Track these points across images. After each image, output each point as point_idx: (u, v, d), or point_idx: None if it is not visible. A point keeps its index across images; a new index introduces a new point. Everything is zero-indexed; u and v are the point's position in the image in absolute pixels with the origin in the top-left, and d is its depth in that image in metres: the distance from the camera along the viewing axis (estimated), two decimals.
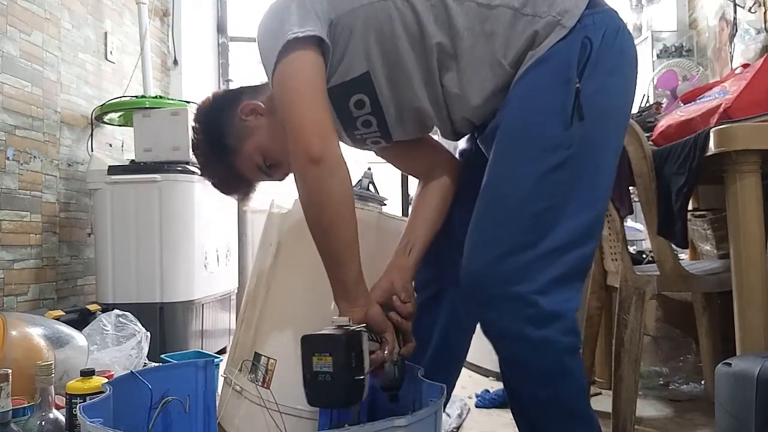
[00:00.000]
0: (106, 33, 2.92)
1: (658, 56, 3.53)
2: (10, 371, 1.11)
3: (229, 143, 1.09)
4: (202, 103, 1.15)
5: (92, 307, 2.30)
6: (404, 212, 2.67)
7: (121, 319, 1.98)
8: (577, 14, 0.93)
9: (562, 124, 0.91)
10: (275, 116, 1.03)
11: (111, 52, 2.96)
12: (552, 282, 0.87)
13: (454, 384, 1.28)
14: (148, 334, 1.98)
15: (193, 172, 2.52)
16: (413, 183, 1.68)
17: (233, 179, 1.14)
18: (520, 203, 0.90)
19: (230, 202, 3.04)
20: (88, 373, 1.26)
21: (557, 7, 0.94)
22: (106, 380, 1.12)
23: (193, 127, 1.14)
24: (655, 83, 2.45)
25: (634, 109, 2.13)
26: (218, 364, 1.74)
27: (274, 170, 1.11)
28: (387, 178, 1.21)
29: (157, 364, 1.87)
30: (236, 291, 3.09)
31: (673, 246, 1.66)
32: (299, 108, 0.88)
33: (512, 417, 0.99)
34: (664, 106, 2.04)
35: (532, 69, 0.94)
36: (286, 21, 0.91)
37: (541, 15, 0.93)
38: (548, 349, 0.87)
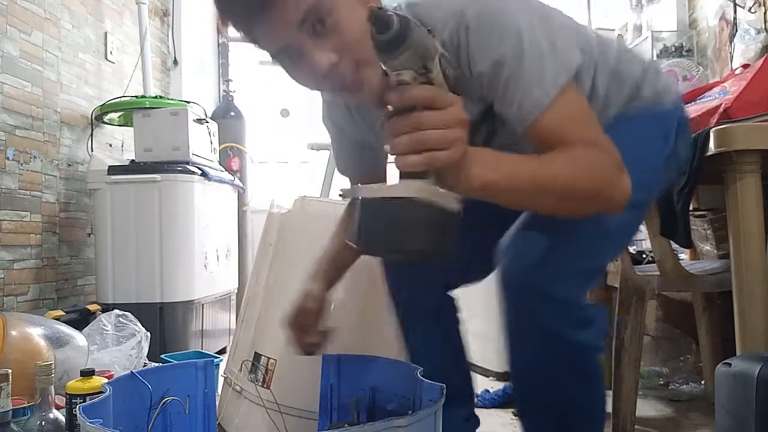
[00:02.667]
0: (106, 33, 2.92)
1: (658, 56, 3.53)
2: (10, 371, 1.11)
3: None
4: None
5: (92, 307, 2.30)
6: None
7: (121, 319, 1.99)
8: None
9: (657, 170, 1.00)
10: None
11: (111, 52, 2.96)
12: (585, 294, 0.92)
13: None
14: (148, 334, 1.98)
15: (193, 172, 2.52)
16: None
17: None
18: (595, 225, 0.89)
19: (230, 202, 3.04)
20: (88, 373, 1.26)
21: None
22: (106, 380, 1.12)
23: None
24: None
25: None
26: (218, 364, 1.74)
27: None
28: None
29: (157, 364, 1.87)
30: (236, 291, 3.09)
31: (674, 246, 1.66)
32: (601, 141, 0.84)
33: (515, 416, 1.00)
34: None
35: (635, 114, 1.00)
36: (561, 46, 0.85)
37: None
38: (585, 350, 0.89)
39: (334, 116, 1.13)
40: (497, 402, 1.86)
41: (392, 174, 0.88)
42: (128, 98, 2.72)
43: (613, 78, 0.99)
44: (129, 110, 2.69)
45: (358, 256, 1.20)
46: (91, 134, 2.69)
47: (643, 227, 2.27)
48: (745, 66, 1.63)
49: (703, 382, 1.93)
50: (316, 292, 1.17)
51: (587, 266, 0.91)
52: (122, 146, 3.03)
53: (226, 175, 2.98)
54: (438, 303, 1.19)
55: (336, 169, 1.25)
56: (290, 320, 1.16)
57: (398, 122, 0.69)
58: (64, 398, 1.24)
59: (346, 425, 1.19)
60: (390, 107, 0.70)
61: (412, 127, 0.67)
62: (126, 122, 2.86)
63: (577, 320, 0.86)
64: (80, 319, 2.16)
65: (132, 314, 2.03)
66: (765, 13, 2.97)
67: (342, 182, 2.03)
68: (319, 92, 0.99)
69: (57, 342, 1.60)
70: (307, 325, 1.15)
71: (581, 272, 0.89)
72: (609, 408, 1.50)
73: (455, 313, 1.22)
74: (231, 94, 3.88)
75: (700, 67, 2.86)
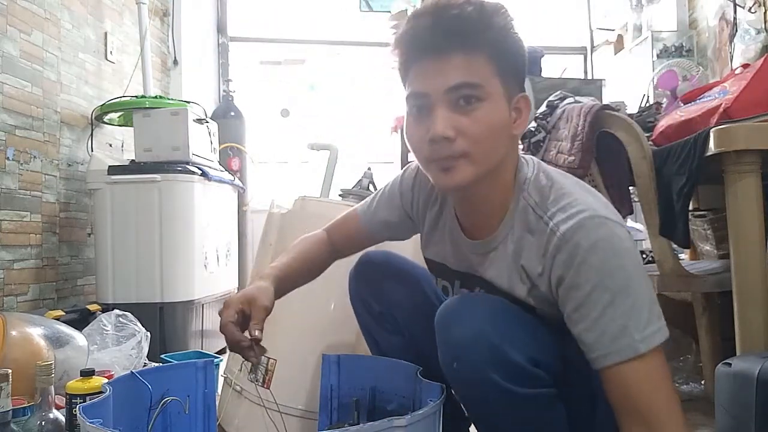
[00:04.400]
0: (106, 33, 2.92)
1: (658, 56, 3.53)
2: (10, 371, 1.11)
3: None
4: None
5: (92, 307, 2.30)
6: None
7: (121, 319, 1.98)
8: None
9: None
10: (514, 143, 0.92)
11: (111, 52, 2.96)
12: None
13: None
14: (148, 334, 1.98)
15: (193, 172, 2.52)
16: None
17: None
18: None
19: (230, 202, 3.04)
20: (88, 373, 1.26)
21: None
22: (106, 380, 1.12)
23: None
24: (655, 83, 2.45)
25: (635, 109, 2.14)
26: (218, 364, 1.74)
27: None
28: (387, 179, 1.22)
29: (157, 364, 1.87)
30: (236, 291, 3.09)
31: (674, 246, 1.66)
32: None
33: None
34: (664, 106, 2.03)
35: None
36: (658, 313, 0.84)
37: None
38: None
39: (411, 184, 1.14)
40: None
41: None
42: (128, 98, 2.72)
43: None
44: (129, 110, 2.69)
45: (312, 279, 1.19)
46: (91, 134, 2.69)
47: (643, 227, 2.27)
48: (745, 66, 1.63)
49: (703, 382, 1.93)
50: (271, 293, 1.04)
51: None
52: (122, 146, 3.03)
53: (226, 175, 2.98)
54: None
55: (362, 203, 1.23)
56: (234, 305, 0.99)
57: None
58: (64, 398, 1.24)
59: (346, 425, 1.19)
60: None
61: None
62: (126, 122, 2.86)
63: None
64: (80, 319, 2.16)
65: (132, 314, 2.02)
66: (765, 13, 2.97)
67: (342, 182, 2.03)
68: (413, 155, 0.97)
69: (57, 342, 1.60)
70: (247, 322, 0.99)
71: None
72: None
73: None
74: (231, 94, 3.88)
75: (700, 67, 2.86)
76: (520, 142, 2.00)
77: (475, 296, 0.99)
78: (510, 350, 0.84)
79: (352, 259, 1.23)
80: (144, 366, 1.88)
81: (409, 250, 1.30)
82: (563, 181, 0.92)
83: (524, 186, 0.93)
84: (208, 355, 2.04)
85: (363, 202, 1.23)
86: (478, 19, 0.86)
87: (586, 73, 4.53)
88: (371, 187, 1.79)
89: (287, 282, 1.11)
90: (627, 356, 0.79)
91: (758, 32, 2.98)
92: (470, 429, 1.25)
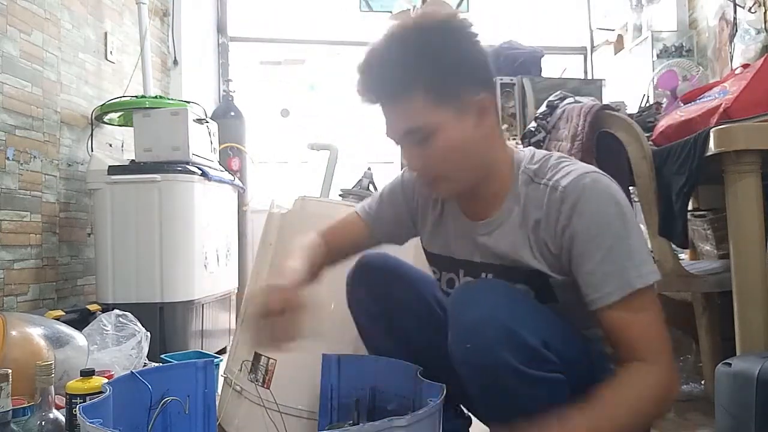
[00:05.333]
0: (106, 33, 2.92)
1: (658, 56, 3.53)
2: (10, 371, 1.11)
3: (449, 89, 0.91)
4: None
5: (92, 307, 2.30)
6: None
7: (121, 319, 1.98)
8: None
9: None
10: (486, 130, 0.95)
11: (111, 52, 2.96)
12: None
13: None
14: (148, 334, 1.98)
15: (193, 172, 2.52)
16: None
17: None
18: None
19: (230, 202, 3.04)
20: (88, 373, 1.26)
21: None
22: (106, 380, 1.12)
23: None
24: (655, 83, 2.45)
25: (635, 109, 2.14)
26: (218, 364, 1.74)
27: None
28: (387, 179, 1.22)
29: (157, 364, 1.87)
30: (236, 291, 3.09)
31: (673, 246, 1.66)
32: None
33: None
34: (664, 106, 2.03)
35: None
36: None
37: None
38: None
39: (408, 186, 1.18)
40: None
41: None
42: (128, 98, 2.72)
43: None
44: (129, 110, 2.69)
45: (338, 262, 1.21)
46: (91, 134, 2.69)
47: (643, 227, 2.27)
48: (745, 66, 1.63)
49: (703, 382, 1.93)
50: (305, 275, 1.05)
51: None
52: (122, 146, 3.03)
53: (226, 175, 2.98)
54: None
55: (362, 203, 1.25)
56: (273, 300, 0.97)
57: None
58: (64, 398, 1.24)
59: (346, 425, 1.19)
60: None
61: None
62: (126, 122, 2.86)
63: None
64: (80, 319, 2.16)
65: (132, 314, 2.02)
66: (765, 13, 2.97)
67: (342, 182, 2.03)
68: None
69: (57, 342, 1.60)
70: (285, 312, 0.97)
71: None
72: None
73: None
74: (231, 94, 3.88)
75: (700, 67, 2.86)
76: (520, 141, 2.01)
77: (488, 281, 1.00)
78: (524, 332, 0.85)
79: (351, 260, 1.23)
80: (144, 366, 1.88)
81: (410, 253, 1.30)
82: (557, 155, 0.99)
83: (522, 164, 0.98)
84: (208, 355, 2.04)
85: (361, 204, 1.24)
86: (401, 64, 0.89)
87: (586, 73, 4.53)
88: (371, 187, 1.79)
89: (334, 246, 1.19)
90: (625, 293, 0.86)
91: (758, 32, 2.98)
92: (470, 429, 1.25)
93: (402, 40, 0.90)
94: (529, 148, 1.04)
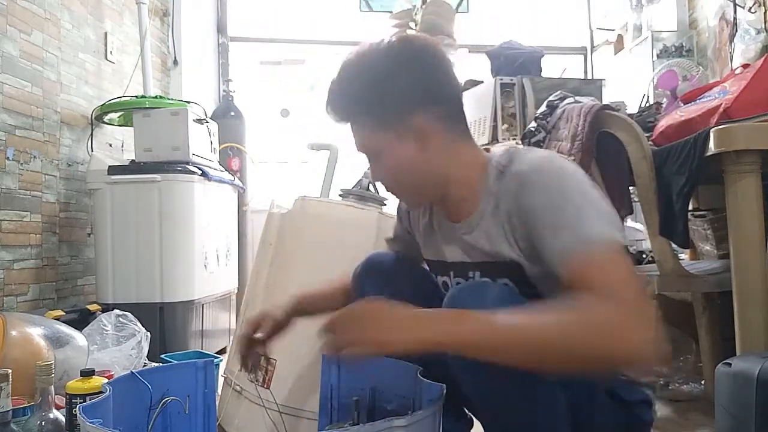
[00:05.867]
0: (106, 33, 2.92)
1: (658, 56, 3.53)
2: (10, 371, 1.11)
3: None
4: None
5: (92, 307, 2.30)
6: None
7: (121, 319, 1.98)
8: None
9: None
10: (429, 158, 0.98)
11: (111, 52, 2.96)
12: None
13: None
14: (148, 334, 1.98)
15: (193, 172, 2.52)
16: None
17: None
18: None
19: (230, 202, 3.04)
20: (88, 373, 1.26)
21: None
22: (106, 380, 1.12)
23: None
24: (655, 83, 2.45)
25: (635, 109, 2.14)
26: (218, 364, 1.74)
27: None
28: None
29: (157, 364, 1.87)
30: (236, 291, 3.09)
31: (674, 246, 1.66)
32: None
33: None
34: (664, 106, 2.04)
35: None
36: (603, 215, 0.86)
37: None
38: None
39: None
40: None
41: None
42: (128, 98, 2.72)
43: None
44: (129, 110, 2.69)
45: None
46: (91, 134, 2.69)
47: (642, 227, 2.27)
48: (745, 66, 1.63)
49: (703, 382, 1.93)
50: (287, 308, 1.21)
51: None
52: (122, 146, 3.03)
53: (226, 175, 2.98)
54: None
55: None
56: (250, 321, 1.18)
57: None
58: (64, 398, 1.24)
59: (346, 426, 1.19)
60: None
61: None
62: (126, 122, 2.86)
63: None
64: (80, 319, 2.16)
65: (132, 314, 2.02)
66: (765, 13, 2.97)
67: (342, 182, 2.03)
68: None
69: (57, 342, 1.60)
70: (260, 335, 1.18)
71: None
72: None
73: None
74: (231, 94, 3.88)
75: (700, 67, 2.86)
76: (520, 141, 2.01)
77: (480, 283, 0.99)
78: None
79: (351, 260, 1.23)
80: (144, 366, 1.88)
81: None
82: (527, 148, 1.06)
83: (494, 160, 0.99)
84: (208, 355, 2.04)
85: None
86: (347, 91, 0.98)
87: (586, 73, 4.53)
88: (371, 187, 1.79)
89: (307, 300, 1.24)
90: (582, 246, 0.82)
91: (758, 32, 2.98)
92: (471, 430, 1.25)
93: (352, 67, 0.98)
94: (508, 144, 1.06)
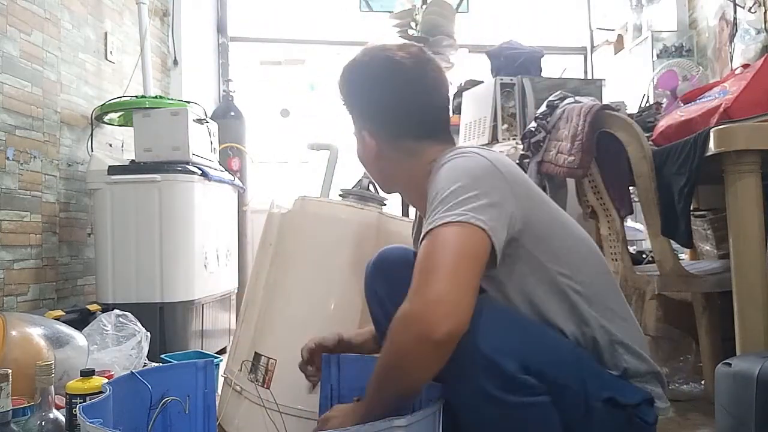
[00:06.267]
0: (106, 33, 2.92)
1: (658, 56, 3.53)
2: (10, 371, 1.11)
3: None
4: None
5: (92, 307, 2.30)
6: (404, 212, 2.67)
7: (121, 319, 1.98)
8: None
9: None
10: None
11: (111, 52, 2.96)
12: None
13: None
14: (148, 334, 1.98)
15: (193, 172, 2.52)
16: None
17: None
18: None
19: (230, 202, 3.04)
20: (88, 373, 1.26)
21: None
22: (106, 380, 1.12)
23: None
24: (655, 83, 2.45)
25: (635, 109, 2.14)
26: (218, 364, 1.74)
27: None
28: None
29: (157, 364, 1.87)
30: (236, 291, 3.09)
31: (674, 246, 1.66)
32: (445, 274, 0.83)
33: None
34: (664, 106, 2.04)
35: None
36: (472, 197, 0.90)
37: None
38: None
39: None
40: None
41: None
42: (128, 98, 2.72)
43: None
44: (129, 110, 2.69)
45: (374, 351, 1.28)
46: (91, 134, 2.69)
47: (642, 227, 2.26)
48: (745, 66, 1.63)
49: (703, 382, 1.93)
50: (335, 340, 1.29)
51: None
52: (122, 146, 3.03)
53: (226, 175, 2.98)
54: None
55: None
56: (309, 348, 1.27)
57: None
58: (64, 398, 1.24)
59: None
60: None
61: None
62: (126, 122, 2.86)
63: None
64: (80, 319, 2.16)
65: (132, 314, 2.02)
66: (765, 13, 2.97)
67: (342, 182, 2.03)
68: None
69: (57, 342, 1.60)
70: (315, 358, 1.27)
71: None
72: None
73: None
74: (231, 94, 3.88)
75: (700, 67, 2.86)
76: (520, 141, 2.01)
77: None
78: (501, 359, 0.85)
79: (351, 260, 1.23)
80: (144, 366, 1.88)
81: None
82: (470, 144, 1.13)
83: (438, 161, 1.03)
84: (208, 355, 2.04)
85: None
86: (343, 87, 1.15)
87: (586, 73, 4.53)
88: (371, 187, 1.79)
89: (350, 338, 1.30)
90: (434, 225, 0.87)
91: (758, 32, 2.98)
92: None
93: (345, 68, 1.15)
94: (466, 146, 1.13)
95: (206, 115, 3.01)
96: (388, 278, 1.19)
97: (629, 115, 1.81)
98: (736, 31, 3.15)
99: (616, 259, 1.73)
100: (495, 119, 2.39)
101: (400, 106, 1.09)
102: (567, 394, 0.90)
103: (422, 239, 0.89)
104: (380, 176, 1.17)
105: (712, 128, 1.38)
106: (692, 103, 1.63)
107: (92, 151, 2.65)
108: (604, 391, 0.93)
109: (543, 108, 1.91)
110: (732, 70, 1.75)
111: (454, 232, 0.86)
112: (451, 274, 0.82)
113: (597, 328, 0.98)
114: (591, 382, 0.93)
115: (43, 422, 1.15)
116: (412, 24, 3.55)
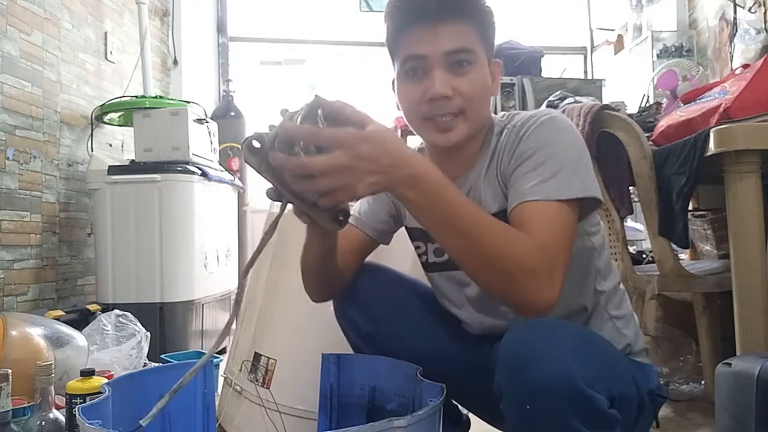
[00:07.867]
0: (106, 33, 2.92)
1: (658, 56, 3.53)
2: (10, 371, 1.11)
3: None
4: None
5: (92, 307, 2.30)
6: None
7: (121, 319, 1.98)
8: None
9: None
10: None
11: (111, 52, 2.96)
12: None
13: None
14: (148, 334, 1.98)
15: (193, 172, 2.52)
16: None
17: None
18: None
19: (230, 201, 3.04)
20: (88, 373, 1.26)
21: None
22: (106, 380, 1.12)
23: None
24: (655, 83, 2.45)
25: (635, 109, 2.14)
26: (218, 364, 1.74)
27: None
28: None
29: (157, 364, 1.87)
30: (236, 291, 3.08)
31: (673, 246, 1.66)
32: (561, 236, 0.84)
33: None
34: (664, 106, 2.04)
35: None
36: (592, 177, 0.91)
37: None
38: None
39: None
40: None
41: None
42: (128, 98, 2.72)
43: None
44: (129, 110, 2.69)
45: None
46: (91, 134, 2.69)
47: (642, 227, 2.26)
48: (745, 66, 1.63)
49: (703, 382, 1.93)
50: None
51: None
52: (122, 146, 3.03)
53: (226, 175, 2.98)
54: None
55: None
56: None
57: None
58: (64, 398, 1.24)
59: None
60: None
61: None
62: (126, 122, 2.86)
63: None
64: (80, 319, 2.16)
65: (132, 314, 2.02)
66: (765, 13, 2.97)
67: None
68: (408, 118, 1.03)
69: (57, 342, 1.60)
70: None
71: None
72: None
73: None
74: (231, 94, 3.88)
75: (700, 67, 2.86)
76: None
77: (548, 323, 0.85)
78: (594, 394, 0.76)
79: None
80: (144, 366, 1.88)
81: (407, 263, 1.30)
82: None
83: (497, 120, 1.01)
84: None
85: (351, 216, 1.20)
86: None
87: (586, 73, 4.53)
88: None
89: None
90: (540, 198, 0.86)
91: (758, 32, 2.98)
92: (470, 429, 1.26)
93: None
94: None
95: (206, 115, 3.01)
96: (359, 299, 1.15)
97: (629, 115, 1.81)
98: (736, 31, 3.15)
99: (616, 259, 1.73)
100: None
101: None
102: (627, 406, 0.87)
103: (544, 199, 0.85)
104: (483, 115, 1.00)
105: (712, 128, 1.38)
106: (692, 103, 1.63)
107: (92, 151, 2.65)
108: (645, 386, 0.94)
109: (543, 108, 1.91)
110: (732, 70, 1.75)
111: (571, 219, 0.87)
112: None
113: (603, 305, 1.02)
114: (640, 384, 0.92)
115: (43, 422, 1.15)
116: None
